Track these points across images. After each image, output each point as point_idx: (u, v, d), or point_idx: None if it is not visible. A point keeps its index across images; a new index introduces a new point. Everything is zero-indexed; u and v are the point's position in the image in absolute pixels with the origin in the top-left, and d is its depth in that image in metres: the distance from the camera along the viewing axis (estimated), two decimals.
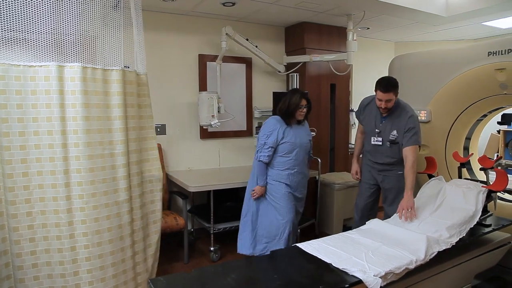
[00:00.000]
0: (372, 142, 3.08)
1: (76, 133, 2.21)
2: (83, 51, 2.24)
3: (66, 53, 2.20)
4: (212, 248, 3.60)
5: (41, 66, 2.11)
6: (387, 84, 2.85)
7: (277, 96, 4.28)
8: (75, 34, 2.19)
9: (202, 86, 4.19)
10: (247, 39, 4.05)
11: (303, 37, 4.39)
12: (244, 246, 3.19)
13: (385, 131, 3.01)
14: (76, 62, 2.19)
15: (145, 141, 2.61)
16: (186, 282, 1.89)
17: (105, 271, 2.31)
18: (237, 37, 3.95)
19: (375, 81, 2.94)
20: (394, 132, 2.97)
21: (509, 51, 2.93)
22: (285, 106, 3.06)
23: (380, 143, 3.04)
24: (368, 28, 4.76)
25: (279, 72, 4.49)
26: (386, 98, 2.85)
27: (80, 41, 2.23)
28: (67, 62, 2.19)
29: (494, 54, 3.02)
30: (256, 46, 4.14)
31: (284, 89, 4.71)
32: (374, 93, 2.96)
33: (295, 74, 4.44)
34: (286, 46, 4.70)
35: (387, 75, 3.90)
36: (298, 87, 4.46)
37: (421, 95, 3.53)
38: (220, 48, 3.91)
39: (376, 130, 3.05)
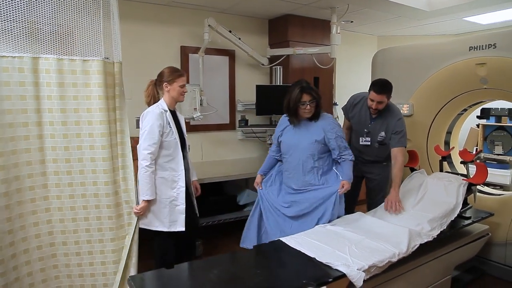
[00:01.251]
0: (361, 143, 3.07)
1: (52, 125, 2.21)
2: (59, 42, 2.19)
3: (41, 44, 2.16)
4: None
5: (14, 57, 2.09)
6: (382, 86, 2.83)
7: (260, 89, 4.26)
8: (51, 25, 2.14)
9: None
10: (230, 31, 3.99)
11: (286, 29, 4.35)
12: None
13: (374, 132, 3.01)
14: (52, 54, 2.15)
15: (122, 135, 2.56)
16: (167, 278, 1.85)
17: (82, 257, 2.40)
18: (220, 29, 3.88)
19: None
20: (382, 133, 2.97)
21: (489, 46, 2.97)
22: (286, 103, 2.62)
23: (369, 143, 3.04)
24: (351, 22, 4.76)
25: (263, 65, 4.45)
26: (378, 100, 2.83)
27: (57, 32, 2.19)
28: (42, 53, 2.14)
29: (475, 49, 3.05)
30: (239, 39, 4.09)
31: (267, 82, 4.68)
32: (363, 91, 2.99)
33: (278, 67, 4.41)
34: (269, 38, 4.66)
35: (370, 68, 3.92)
36: (281, 80, 4.44)
37: (404, 89, 3.56)
38: (203, 40, 3.85)
39: (365, 130, 3.04)
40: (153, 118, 2.50)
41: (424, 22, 4.68)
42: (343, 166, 2.60)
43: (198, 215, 2.82)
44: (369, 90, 2.89)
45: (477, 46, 3.04)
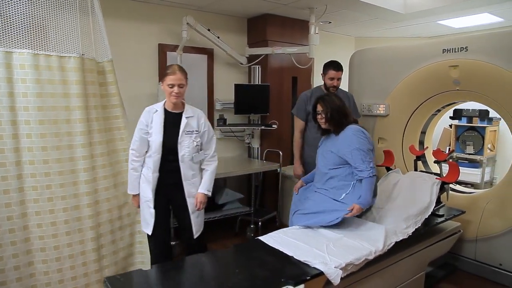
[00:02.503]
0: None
1: (28, 124, 2.10)
2: (34, 37, 2.10)
3: (15, 38, 2.06)
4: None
5: None
6: (338, 64, 3.17)
7: (238, 88, 4.25)
8: (25, 19, 2.05)
9: (162, 77, 4.07)
10: (209, 30, 3.97)
11: (265, 29, 4.36)
12: None
13: None
14: (26, 48, 2.05)
15: (111, 132, 2.51)
16: (144, 279, 1.82)
17: (62, 262, 2.28)
18: (198, 27, 3.85)
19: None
20: None
21: (462, 49, 3.06)
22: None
23: None
24: (329, 22, 4.81)
25: (241, 64, 4.44)
26: (338, 76, 3.16)
27: (31, 27, 2.09)
28: (15, 47, 2.05)
29: (448, 52, 3.14)
30: (218, 37, 4.07)
31: (246, 81, 4.68)
32: (323, 80, 3.24)
33: (257, 66, 4.41)
34: (248, 37, 4.66)
35: (347, 69, 3.97)
36: (260, 79, 4.45)
37: (380, 89, 3.63)
38: (181, 38, 3.81)
39: None
40: (141, 116, 2.48)
41: (400, 25, 4.79)
42: (362, 184, 2.38)
43: (193, 230, 2.52)
44: (326, 70, 3.19)
45: (450, 49, 3.13)
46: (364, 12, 4.17)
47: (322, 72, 3.28)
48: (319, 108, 2.52)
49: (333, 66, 3.17)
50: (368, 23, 4.80)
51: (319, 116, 2.54)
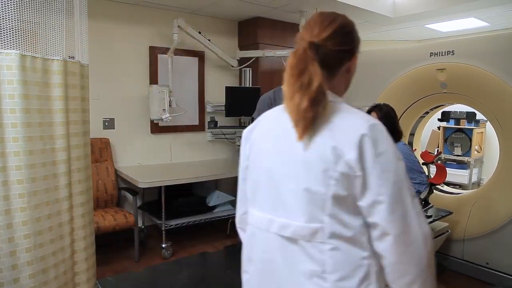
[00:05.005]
0: None
1: (15, 127, 2.04)
2: (21, 38, 2.07)
3: (2, 39, 2.03)
4: (163, 245, 3.51)
5: None
6: None
7: (229, 91, 4.27)
8: (12, 19, 2.02)
9: (153, 79, 4.07)
10: (199, 32, 3.98)
11: (256, 32, 4.39)
12: None
13: None
14: (14, 49, 2.02)
15: (87, 136, 2.50)
16: (136, 281, 1.83)
17: (48, 274, 2.17)
18: (189, 30, 3.87)
19: None
20: None
21: (448, 53, 3.12)
22: None
23: None
24: None
25: (232, 66, 4.46)
26: None
27: (19, 27, 2.06)
28: (2, 48, 2.02)
29: (436, 55, 3.20)
30: (209, 40, 4.09)
31: (237, 84, 4.70)
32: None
33: (248, 69, 4.44)
34: (239, 40, 4.68)
35: None
36: (250, 82, 4.47)
37: (370, 92, 3.67)
38: (172, 41, 3.81)
39: None
40: None
41: (389, 28, 4.84)
42: None
43: None
44: None
45: (437, 52, 3.19)
46: (353, 16, 4.16)
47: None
48: (374, 116, 2.47)
49: None
50: (358, 26, 4.82)
51: None
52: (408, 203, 0.89)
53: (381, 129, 0.92)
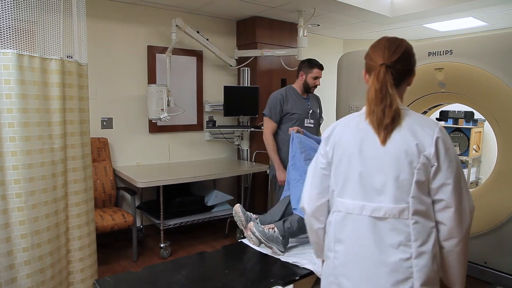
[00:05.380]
0: (306, 125, 3.10)
1: (13, 126, 2.04)
2: (19, 37, 2.07)
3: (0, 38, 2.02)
4: (162, 245, 3.52)
5: None
6: (321, 64, 3.10)
7: (228, 90, 4.27)
8: (10, 19, 2.01)
9: (151, 79, 4.07)
10: (198, 32, 3.98)
11: (254, 31, 4.39)
12: None
13: (315, 111, 3.18)
14: (11, 48, 2.02)
15: (86, 136, 2.49)
16: (134, 281, 1.83)
17: (45, 273, 2.17)
18: (187, 29, 3.86)
19: (325, 78, 3.14)
20: (318, 110, 3.21)
21: (447, 52, 3.11)
22: None
23: (312, 125, 3.14)
24: (318, 25, 4.86)
25: (230, 66, 4.46)
26: (320, 76, 3.10)
27: (16, 27, 2.05)
28: (0, 47, 2.02)
29: (434, 55, 3.20)
30: (207, 39, 4.08)
31: (235, 83, 4.69)
32: (304, 79, 3.08)
33: (246, 68, 4.43)
34: (237, 40, 4.68)
35: (335, 71, 4.02)
36: (249, 81, 4.47)
37: None
38: (170, 40, 3.81)
39: (310, 111, 3.13)
40: None
41: (387, 27, 4.85)
42: None
43: None
44: (310, 69, 3.06)
45: (435, 52, 3.18)
46: (352, 15, 4.22)
47: (301, 71, 3.09)
48: None
49: (318, 64, 3.08)
50: (356, 26, 4.86)
51: None
52: (463, 185, 1.23)
53: (445, 130, 1.26)
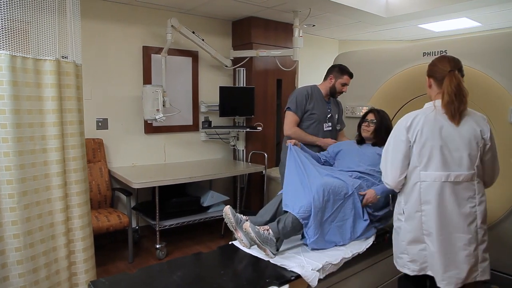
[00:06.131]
0: (325, 129, 3.09)
1: (5, 127, 2.04)
2: (12, 38, 2.05)
3: None
4: (158, 246, 3.51)
5: None
6: (351, 71, 3.06)
7: (223, 91, 4.26)
8: (4, 19, 2.00)
9: (147, 79, 4.06)
10: (193, 32, 3.98)
11: (250, 32, 4.39)
12: None
13: (333, 116, 3.16)
14: (4, 49, 2.01)
15: (82, 136, 2.48)
16: (129, 282, 1.82)
17: (38, 273, 2.17)
18: (183, 30, 3.86)
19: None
20: (337, 116, 3.20)
21: (441, 52, 3.13)
22: None
23: (330, 128, 3.11)
24: (313, 25, 4.86)
25: (226, 66, 4.46)
26: (349, 83, 3.08)
27: (9, 27, 2.04)
28: None
29: (428, 55, 3.21)
30: (203, 40, 4.08)
31: (231, 83, 4.69)
32: (333, 83, 3.04)
33: (242, 68, 4.43)
34: (233, 40, 4.68)
35: None
36: (244, 82, 4.47)
37: (363, 92, 3.68)
38: (165, 41, 3.80)
39: (329, 115, 3.10)
40: None
41: (382, 28, 4.87)
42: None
43: None
44: (341, 75, 3.03)
45: (430, 52, 3.20)
46: (347, 16, 4.23)
47: (331, 75, 3.05)
48: (371, 117, 2.68)
49: (349, 72, 3.04)
50: (351, 26, 4.87)
51: (365, 124, 2.69)
52: (497, 156, 1.90)
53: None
